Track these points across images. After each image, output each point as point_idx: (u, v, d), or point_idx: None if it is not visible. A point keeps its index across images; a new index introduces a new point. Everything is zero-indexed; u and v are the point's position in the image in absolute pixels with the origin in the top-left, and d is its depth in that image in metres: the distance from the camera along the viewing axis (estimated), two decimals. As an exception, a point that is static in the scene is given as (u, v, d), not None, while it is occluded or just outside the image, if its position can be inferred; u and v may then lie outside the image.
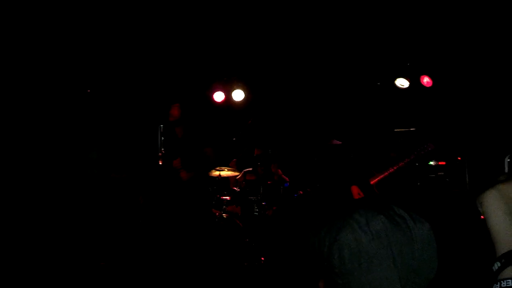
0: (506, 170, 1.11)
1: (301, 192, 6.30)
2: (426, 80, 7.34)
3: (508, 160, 1.11)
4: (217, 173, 6.50)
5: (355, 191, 5.50)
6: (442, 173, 6.59)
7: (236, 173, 6.82)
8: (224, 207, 6.21)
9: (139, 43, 7.22)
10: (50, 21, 6.34)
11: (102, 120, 7.38)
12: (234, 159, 7.42)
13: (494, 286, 0.91)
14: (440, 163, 6.61)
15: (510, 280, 0.90)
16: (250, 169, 7.34)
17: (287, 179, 7.09)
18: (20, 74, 6.59)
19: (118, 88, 7.79)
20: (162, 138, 8.24)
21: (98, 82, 7.40)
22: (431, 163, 6.58)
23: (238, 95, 8.18)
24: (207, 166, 6.32)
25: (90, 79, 7.27)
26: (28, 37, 6.44)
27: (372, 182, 5.32)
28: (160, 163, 7.16)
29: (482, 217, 0.99)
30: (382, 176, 5.29)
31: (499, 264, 0.92)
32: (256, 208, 6.11)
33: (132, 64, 7.64)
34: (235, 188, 6.62)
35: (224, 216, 6.06)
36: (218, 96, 8.27)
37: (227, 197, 6.36)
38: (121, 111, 7.96)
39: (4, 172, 6.10)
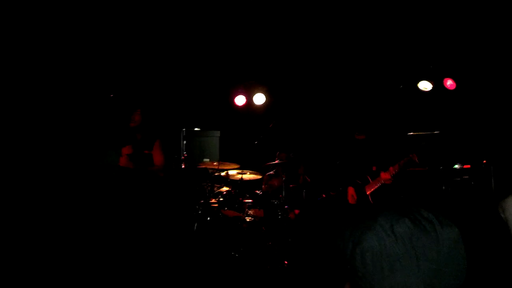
0: None
1: (324, 195, 6.28)
2: (449, 82, 7.26)
3: None
4: (239, 176, 6.52)
5: (350, 192, 5.47)
6: (467, 177, 6.50)
7: (258, 176, 6.83)
8: (246, 210, 6.23)
9: (161, 48, 7.29)
10: (77, 28, 6.47)
11: (125, 124, 7.46)
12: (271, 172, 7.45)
13: None
14: (465, 166, 6.52)
15: None
16: (272, 172, 7.35)
17: (309, 180, 7.10)
18: (47, 77, 6.72)
19: (141, 93, 7.87)
20: (185, 142, 8.32)
21: (121, 86, 7.49)
22: (456, 166, 6.50)
23: (259, 98, 8.21)
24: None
25: (114, 84, 7.36)
26: (58, 44, 6.58)
27: (367, 192, 5.28)
28: (183, 166, 7.24)
29: None
30: (375, 186, 5.22)
31: None
32: (279, 212, 6.11)
33: (155, 70, 7.72)
34: (257, 191, 6.64)
35: (247, 220, 6.07)
36: (240, 100, 8.30)
37: (250, 200, 6.38)
38: (144, 115, 8.04)
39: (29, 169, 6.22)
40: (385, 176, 5.07)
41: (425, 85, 7.33)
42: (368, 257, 0.97)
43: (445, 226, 1.04)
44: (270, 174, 7.36)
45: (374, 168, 5.30)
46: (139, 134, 5.91)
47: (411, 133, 6.74)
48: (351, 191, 5.45)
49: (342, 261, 1.04)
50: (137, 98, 7.14)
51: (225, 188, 6.66)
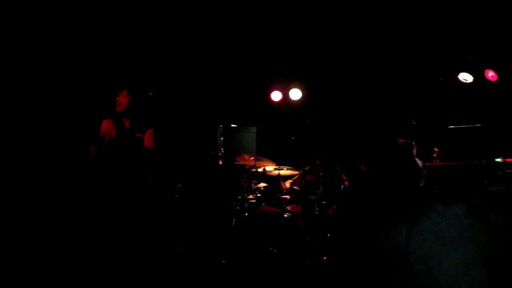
0: None
1: (346, 183, 6.25)
2: (490, 74, 7.08)
3: None
4: (276, 172, 6.52)
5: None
6: (510, 170, 6.33)
7: (296, 172, 6.81)
8: (284, 206, 6.22)
9: (197, 44, 7.35)
10: (119, 23, 6.54)
11: (163, 121, 7.53)
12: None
13: None
14: (507, 160, 6.35)
15: None
16: (307, 168, 7.32)
17: (345, 178, 7.02)
18: (87, 73, 6.80)
19: (178, 89, 7.95)
20: (222, 138, 8.38)
21: (159, 84, 7.58)
22: (498, 160, 6.34)
23: (296, 94, 8.19)
24: None
25: (152, 81, 7.45)
26: (99, 38, 6.65)
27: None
28: (221, 163, 7.28)
29: None
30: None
31: None
32: (317, 207, 6.08)
33: (191, 66, 7.78)
34: (295, 187, 6.62)
35: (285, 215, 6.07)
36: (276, 96, 8.30)
37: (287, 196, 6.37)
38: (181, 112, 8.13)
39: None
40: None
41: (465, 77, 7.16)
42: (428, 238, 0.96)
43: (496, 213, 1.03)
44: (306, 169, 7.33)
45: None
46: (128, 119, 5.31)
47: (452, 126, 6.61)
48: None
49: (392, 250, 1.03)
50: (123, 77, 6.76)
51: (262, 184, 6.68)
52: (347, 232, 5.77)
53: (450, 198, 1.04)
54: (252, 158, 6.52)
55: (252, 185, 6.66)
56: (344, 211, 6.10)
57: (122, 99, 5.19)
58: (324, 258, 5.60)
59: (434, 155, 6.70)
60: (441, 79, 7.26)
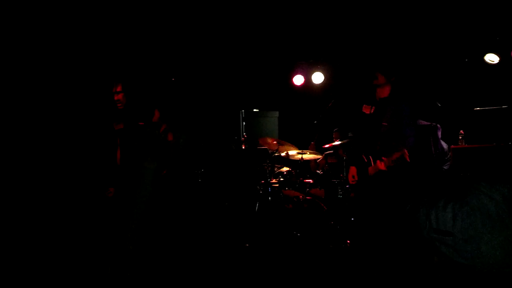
0: None
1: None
2: (518, 54, 6.93)
3: None
4: (299, 156, 6.51)
5: (352, 172, 5.29)
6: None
7: (318, 156, 6.79)
8: (307, 189, 6.22)
9: (219, 29, 7.33)
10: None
11: (186, 106, 7.54)
12: (312, 142, 7.39)
13: None
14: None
15: None
16: (331, 151, 7.28)
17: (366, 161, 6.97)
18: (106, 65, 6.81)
19: (200, 75, 7.96)
20: (244, 123, 8.39)
21: (182, 70, 7.59)
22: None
23: (318, 77, 8.13)
24: None
25: (175, 67, 7.47)
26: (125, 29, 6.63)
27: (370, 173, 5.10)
28: (243, 147, 7.30)
29: None
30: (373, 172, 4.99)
31: None
32: (340, 191, 6.06)
33: (213, 51, 7.77)
34: (318, 171, 6.60)
35: (308, 199, 6.07)
36: (298, 80, 8.25)
37: (310, 180, 6.36)
38: (203, 97, 8.14)
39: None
40: (381, 166, 4.89)
41: (491, 58, 7.02)
42: (477, 218, 0.95)
43: None
44: (328, 153, 7.30)
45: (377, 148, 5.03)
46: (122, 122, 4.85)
47: (478, 108, 6.50)
48: (352, 171, 5.30)
49: (434, 230, 1.02)
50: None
51: (285, 168, 6.67)
52: (373, 214, 5.74)
53: (494, 179, 1.02)
54: (275, 142, 6.50)
55: (275, 169, 6.67)
56: (369, 194, 6.07)
57: (120, 96, 4.82)
58: (348, 241, 5.59)
59: (460, 137, 6.61)
60: (467, 60, 7.13)
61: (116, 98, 4.76)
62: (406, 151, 4.65)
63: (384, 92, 5.17)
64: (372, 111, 5.24)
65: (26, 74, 6.24)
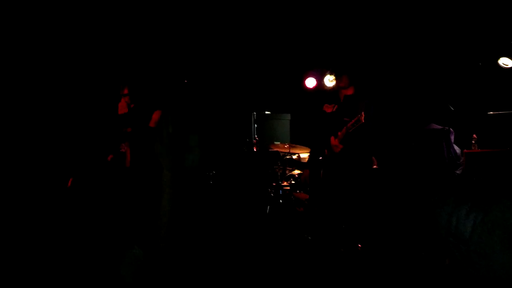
0: None
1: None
2: (532, 58, 6.86)
3: None
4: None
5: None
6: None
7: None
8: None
9: (231, 31, 7.34)
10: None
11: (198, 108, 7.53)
12: None
13: None
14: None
15: None
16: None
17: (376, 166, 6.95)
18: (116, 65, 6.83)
19: (213, 77, 7.97)
20: (255, 125, 8.39)
21: (194, 72, 7.61)
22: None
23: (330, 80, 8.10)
24: None
25: (187, 69, 7.49)
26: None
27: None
28: (255, 150, 7.30)
29: None
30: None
31: None
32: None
33: (225, 53, 7.79)
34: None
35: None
36: (310, 82, 8.24)
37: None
38: (215, 99, 8.15)
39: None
40: (334, 141, 4.95)
41: (505, 62, 6.96)
42: (492, 235, 0.92)
43: None
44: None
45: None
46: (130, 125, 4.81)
47: (491, 112, 6.45)
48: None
49: (451, 234, 1.00)
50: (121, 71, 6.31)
51: (297, 171, 6.67)
52: (384, 216, 5.72)
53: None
54: (287, 145, 6.51)
55: (287, 172, 6.66)
56: (380, 196, 6.04)
57: (127, 99, 4.87)
58: (359, 245, 5.57)
59: (473, 142, 6.56)
60: (480, 64, 7.07)
61: (124, 100, 4.79)
62: (362, 113, 4.66)
63: (348, 91, 5.29)
64: (334, 109, 5.33)
65: (34, 77, 6.28)
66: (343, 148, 4.99)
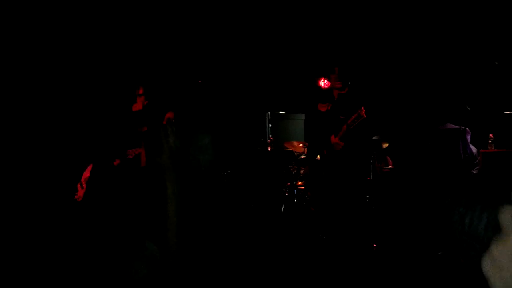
0: None
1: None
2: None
3: None
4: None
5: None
6: None
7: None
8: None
9: (246, 31, 7.37)
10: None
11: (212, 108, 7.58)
12: None
13: None
14: None
15: None
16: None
17: (391, 166, 6.94)
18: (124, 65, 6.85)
19: (227, 77, 8.00)
20: (270, 125, 8.40)
21: (209, 72, 7.65)
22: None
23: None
24: None
25: (202, 69, 7.53)
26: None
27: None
28: (269, 150, 7.31)
29: None
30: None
31: None
32: (367, 194, 6.02)
33: (240, 54, 7.81)
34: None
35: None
36: (324, 82, 8.22)
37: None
38: (230, 99, 8.18)
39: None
40: (334, 140, 4.93)
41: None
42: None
43: None
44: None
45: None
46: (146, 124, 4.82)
47: (508, 112, 6.40)
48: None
49: (464, 233, 1.01)
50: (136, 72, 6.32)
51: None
52: (400, 216, 5.70)
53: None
54: (301, 145, 6.51)
55: (301, 171, 6.67)
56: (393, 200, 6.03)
57: (142, 98, 4.89)
58: (374, 245, 5.55)
59: (489, 141, 6.51)
60: (496, 63, 7.02)
61: (139, 101, 4.82)
62: (363, 108, 4.66)
63: (342, 90, 5.33)
64: (328, 108, 5.33)
65: (48, 78, 6.35)
66: (344, 145, 4.98)
